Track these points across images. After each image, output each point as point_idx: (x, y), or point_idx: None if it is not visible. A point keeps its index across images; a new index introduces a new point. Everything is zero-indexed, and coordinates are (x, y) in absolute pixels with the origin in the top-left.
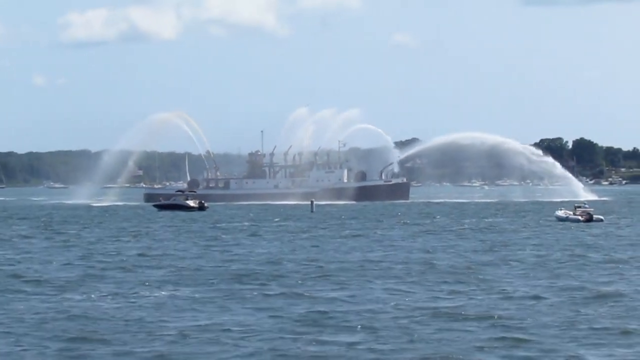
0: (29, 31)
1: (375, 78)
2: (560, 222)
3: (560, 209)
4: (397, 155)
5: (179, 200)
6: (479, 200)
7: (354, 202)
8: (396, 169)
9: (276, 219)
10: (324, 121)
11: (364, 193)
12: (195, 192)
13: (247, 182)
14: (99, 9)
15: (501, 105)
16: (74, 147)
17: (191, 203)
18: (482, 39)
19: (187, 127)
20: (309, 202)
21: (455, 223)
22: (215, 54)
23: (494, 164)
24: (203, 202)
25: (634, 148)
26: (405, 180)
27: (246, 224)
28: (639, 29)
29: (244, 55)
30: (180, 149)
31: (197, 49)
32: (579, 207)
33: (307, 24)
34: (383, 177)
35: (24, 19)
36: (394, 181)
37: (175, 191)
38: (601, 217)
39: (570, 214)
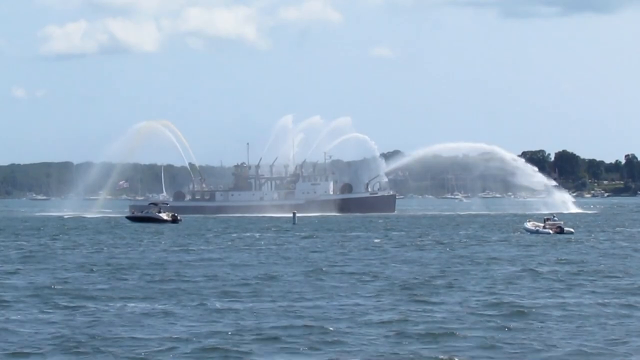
0: (7, 44)
1: (355, 90)
2: (530, 235)
3: (529, 221)
4: (384, 167)
5: (152, 213)
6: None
7: (339, 214)
8: (385, 180)
9: (247, 233)
10: (313, 129)
11: (350, 205)
12: (168, 204)
13: (232, 194)
14: (78, 21)
15: (482, 118)
16: (56, 159)
17: (164, 216)
18: (461, 51)
19: (173, 137)
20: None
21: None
22: (196, 66)
23: (476, 177)
24: (176, 215)
25: (616, 160)
26: (391, 192)
27: (209, 235)
28: (618, 41)
29: (224, 68)
30: (161, 161)
31: (177, 61)
32: (549, 219)
33: (287, 36)
34: (369, 189)
35: (2, 32)
36: (380, 193)
37: (149, 204)
38: (571, 229)
39: (540, 226)
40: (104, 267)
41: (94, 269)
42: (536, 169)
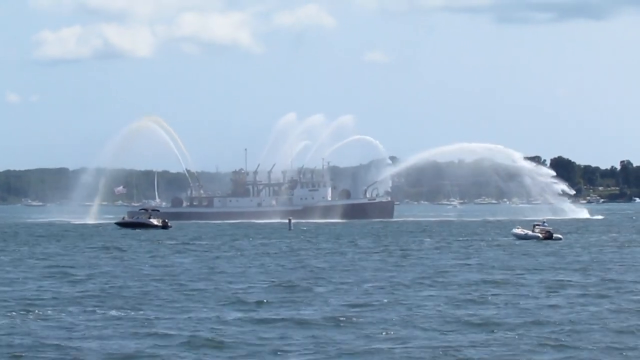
0: (1, 49)
1: (350, 95)
2: (519, 240)
3: (518, 227)
4: (392, 170)
5: (142, 219)
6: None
7: (337, 221)
8: (390, 185)
9: (234, 239)
10: (315, 129)
11: (348, 211)
12: (159, 210)
13: (230, 201)
14: (72, 26)
15: (477, 124)
16: (51, 165)
17: (154, 221)
18: (455, 57)
19: (164, 133)
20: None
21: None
22: (191, 71)
23: (472, 182)
24: (166, 220)
25: (612, 166)
26: (389, 198)
27: (203, 242)
28: (613, 47)
29: (219, 73)
30: (157, 167)
31: (172, 67)
32: (538, 225)
33: (282, 41)
34: (367, 195)
35: None
36: (378, 200)
37: (139, 209)
38: (560, 235)
39: (528, 232)
40: None
41: None
42: (553, 173)
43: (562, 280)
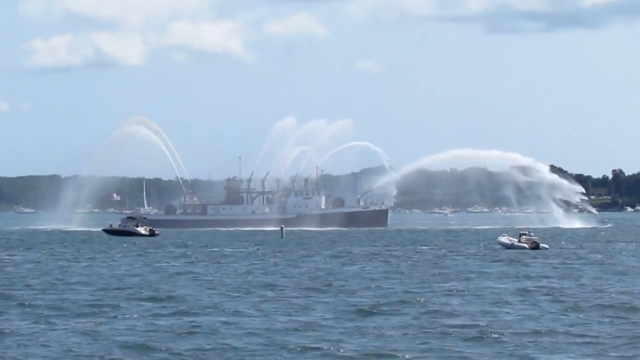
0: None
1: (341, 103)
2: (505, 249)
3: (504, 235)
4: (395, 177)
5: (129, 227)
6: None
7: (331, 229)
8: (394, 193)
9: (215, 248)
10: (315, 134)
11: (342, 219)
12: (146, 218)
13: (224, 208)
14: (63, 35)
15: (467, 133)
16: (43, 172)
17: (141, 230)
18: (446, 66)
19: (158, 139)
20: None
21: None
22: (182, 79)
23: (464, 191)
24: (153, 229)
25: (604, 175)
26: (383, 206)
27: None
28: (603, 56)
29: (210, 81)
30: (149, 175)
31: (163, 75)
32: (524, 234)
33: (273, 50)
34: (361, 203)
35: None
36: (371, 208)
37: (126, 217)
38: (546, 245)
39: (514, 241)
40: None
41: None
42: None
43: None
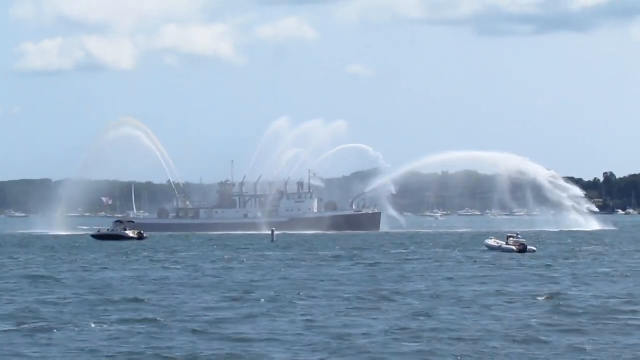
0: None
1: (332, 107)
2: (492, 252)
3: (491, 238)
4: (390, 179)
5: (118, 231)
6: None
7: (324, 232)
8: (394, 191)
9: (194, 250)
10: (308, 135)
11: (335, 223)
12: (134, 221)
13: (217, 212)
14: (54, 38)
15: (457, 136)
16: (35, 176)
17: (130, 233)
18: (436, 69)
19: (150, 143)
20: (277, 232)
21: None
22: (173, 82)
23: (456, 195)
24: (142, 232)
25: (595, 178)
26: (376, 210)
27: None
28: (593, 59)
29: (202, 85)
30: (141, 179)
31: (154, 78)
32: (512, 236)
33: (264, 54)
34: (354, 207)
35: None
36: (364, 211)
37: (114, 221)
38: (534, 248)
39: (502, 244)
40: None
41: None
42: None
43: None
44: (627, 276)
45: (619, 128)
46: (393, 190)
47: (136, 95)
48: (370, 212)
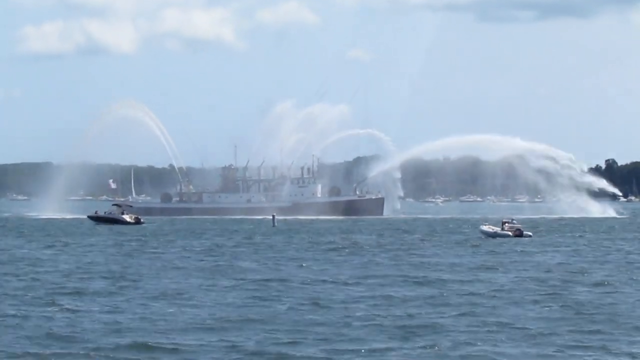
0: None
1: (334, 91)
2: (487, 238)
3: (485, 224)
4: (395, 163)
5: (115, 214)
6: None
7: (327, 217)
8: (398, 175)
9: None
10: (312, 119)
11: (338, 208)
12: (132, 206)
13: (220, 196)
14: (55, 21)
15: (458, 122)
16: (36, 159)
17: (127, 217)
18: (437, 55)
19: (154, 125)
20: (280, 217)
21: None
22: (174, 66)
23: (456, 180)
24: (139, 217)
25: (597, 165)
26: (380, 195)
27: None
28: (595, 45)
29: (202, 69)
30: (142, 162)
31: (155, 62)
32: (507, 222)
33: (264, 38)
34: (357, 192)
35: None
36: (367, 196)
37: (112, 204)
38: (530, 233)
39: (497, 230)
40: None
41: None
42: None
43: None
44: None
45: (620, 115)
46: (398, 174)
47: (137, 79)
48: (374, 197)
